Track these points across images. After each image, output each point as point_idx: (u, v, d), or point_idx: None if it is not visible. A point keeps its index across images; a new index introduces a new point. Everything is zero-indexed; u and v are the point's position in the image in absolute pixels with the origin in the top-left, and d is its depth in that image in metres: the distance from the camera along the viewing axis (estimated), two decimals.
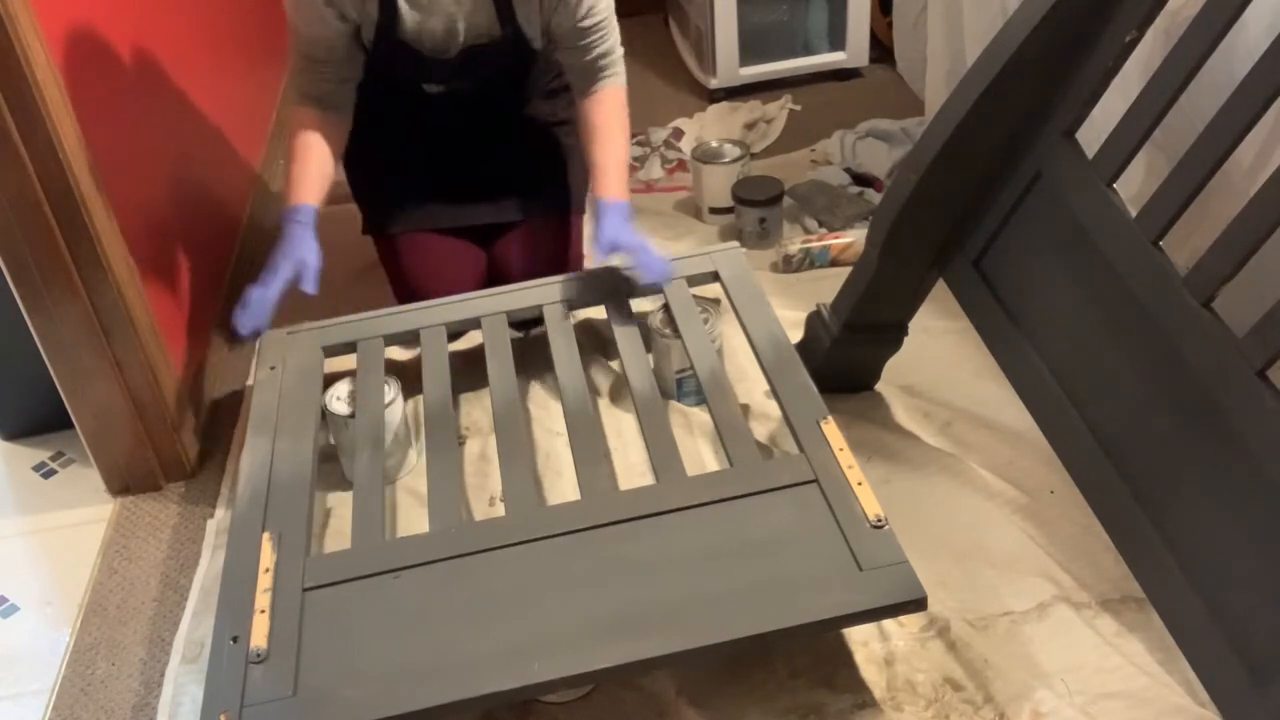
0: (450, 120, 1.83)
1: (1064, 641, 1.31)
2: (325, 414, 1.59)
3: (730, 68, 2.61)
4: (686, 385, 1.70)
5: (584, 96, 1.72)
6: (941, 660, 1.31)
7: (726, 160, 2.15)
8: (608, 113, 1.71)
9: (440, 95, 1.78)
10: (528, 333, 1.84)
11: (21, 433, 1.84)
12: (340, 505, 1.58)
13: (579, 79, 1.72)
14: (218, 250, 2.06)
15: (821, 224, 2.12)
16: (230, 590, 1.28)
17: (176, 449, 1.70)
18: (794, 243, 2.02)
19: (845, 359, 1.63)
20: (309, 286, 1.58)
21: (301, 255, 1.59)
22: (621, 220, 1.65)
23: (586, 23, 1.65)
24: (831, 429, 1.37)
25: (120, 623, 1.51)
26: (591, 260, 1.72)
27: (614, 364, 1.77)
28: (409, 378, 1.66)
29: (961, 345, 1.74)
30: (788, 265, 2.02)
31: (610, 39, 1.69)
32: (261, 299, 1.57)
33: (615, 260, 1.67)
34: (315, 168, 1.67)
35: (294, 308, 2.04)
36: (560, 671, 1.15)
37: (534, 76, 1.85)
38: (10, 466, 1.79)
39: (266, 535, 1.33)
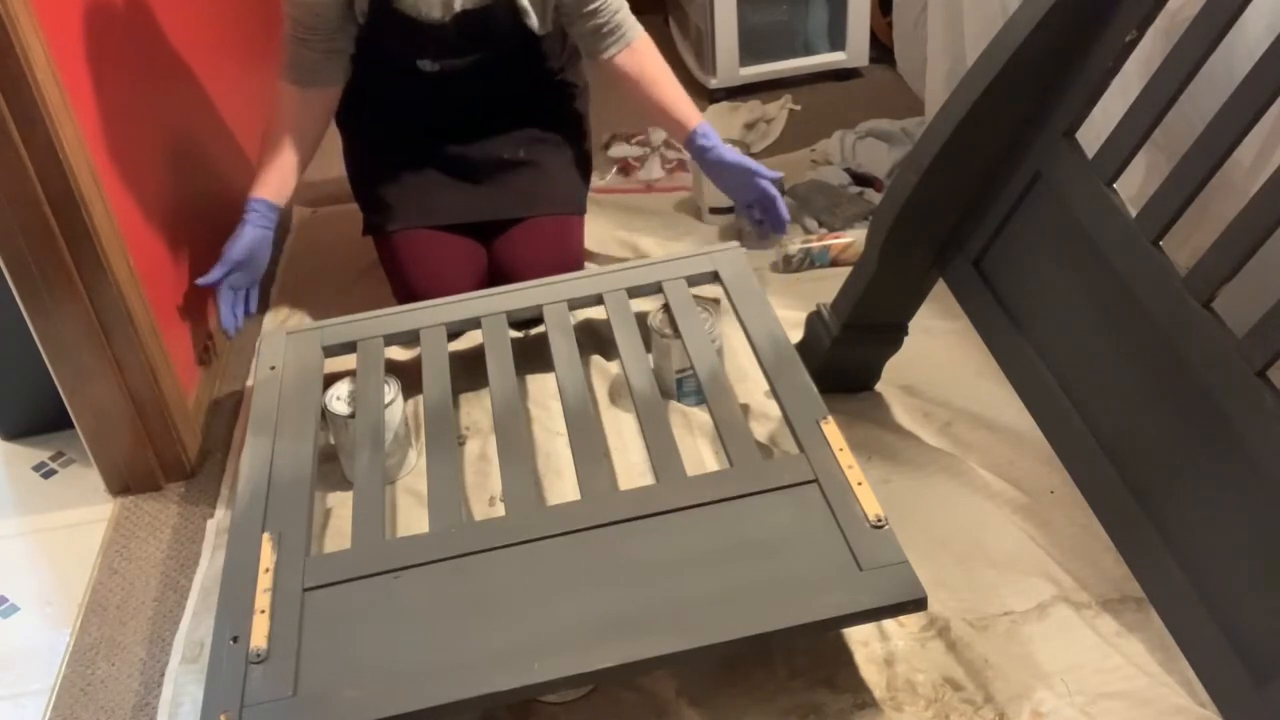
0: (448, 106, 1.83)
1: (1064, 641, 1.31)
2: (325, 414, 1.59)
3: (730, 68, 2.61)
4: (686, 385, 1.70)
5: (617, 55, 1.75)
6: (941, 660, 1.31)
7: None
8: (650, 60, 1.78)
9: (436, 76, 1.78)
10: (528, 333, 1.84)
11: (21, 433, 1.84)
12: (340, 505, 1.58)
13: (596, 44, 1.75)
14: (218, 250, 2.05)
15: (821, 224, 2.12)
16: (230, 590, 1.28)
17: (176, 449, 1.70)
18: (794, 243, 2.02)
19: (845, 359, 1.63)
20: (202, 279, 1.70)
21: (229, 253, 1.70)
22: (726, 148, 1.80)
23: None
24: (831, 429, 1.37)
25: (120, 623, 1.51)
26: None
27: (614, 364, 1.77)
28: (409, 378, 1.66)
29: (961, 345, 1.74)
30: (788, 265, 2.02)
31: (619, 2, 1.74)
32: (206, 284, 1.71)
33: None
34: (284, 159, 1.72)
35: (294, 307, 2.05)
36: (560, 671, 1.15)
37: (531, 66, 1.85)
38: (10, 466, 1.79)
39: (266, 535, 1.33)
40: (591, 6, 1.71)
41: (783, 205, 1.77)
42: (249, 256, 1.70)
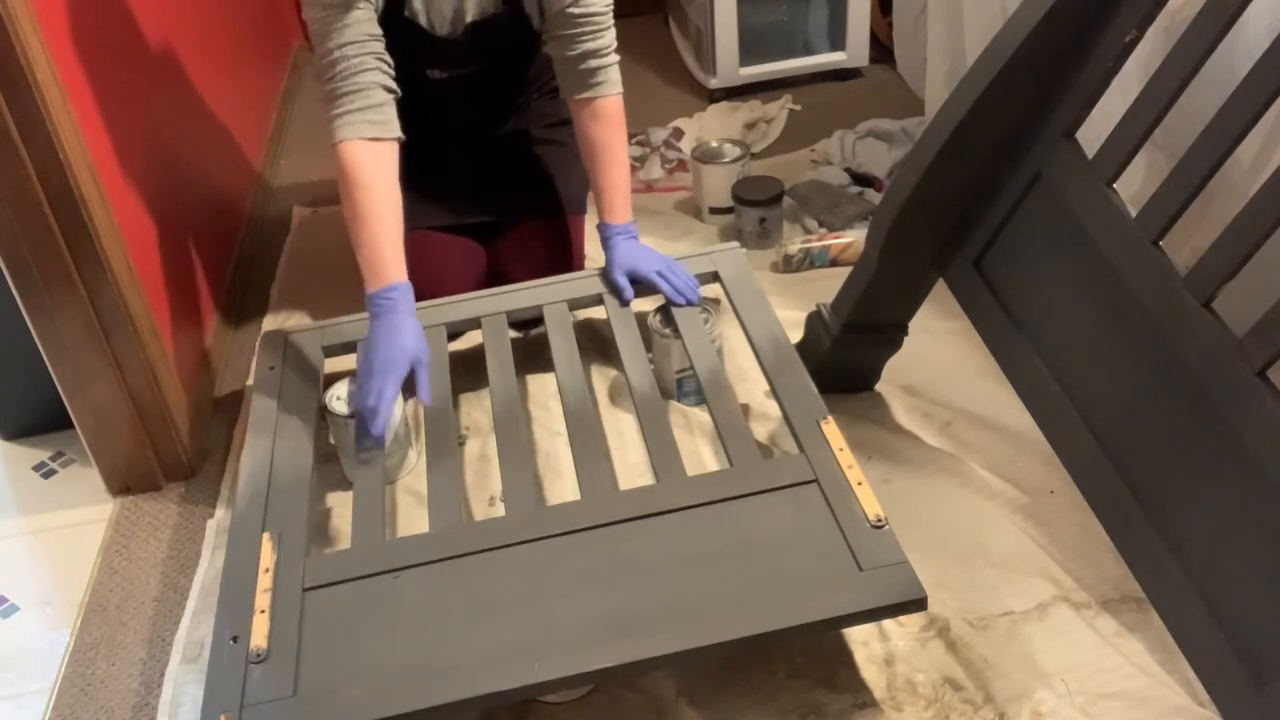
0: (453, 111, 1.83)
1: (1064, 641, 1.31)
2: (325, 414, 1.58)
3: (730, 68, 2.61)
4: (686, 385, 1.70)
5: (579, 105, 1.67)
6: (941, 660, 1.31)
7: (726, 160, 2.15)
8: (607, 129, 1.67)
9: (443, 82, 1.77)
10: (528, 333, 1.84)
11: (21, 433, 1.84)
12: (340, 505, 1.58)
13: (569, 79, 1.67)
14: (218, 250, 2.06)
15: (821, 224, 2.12)
16: (230, 590, 1.28)
17: (176, 449, 1.70)
18: (794, 243, 2.02)
19: (845, 359, 1.63)
20: (425, 395, 1.45)
21: (415, 353, 1.45)
22: (632, 244, 1.68)
23: (575, 10, 1.60)
24: (831, 429, 1.37)
25: (120, 623, 1.51)
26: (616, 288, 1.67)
27: (614, 364, 1.77)
28: (409, 378, 1.66)
29: (961, 345, 1.74)
30: (788, 265, 2.02)
31: (602, 39, 1.64)
32: (378, 417, 1.43)
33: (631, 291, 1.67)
34: (393, 229, 1.50)
35: (294, 307, 2.05)
36: (560, 671, 1.15)
37: (536, 69, 1.85)
38: (10, 466, 1.79)
39: (266, 535, 1.33)
40: (563, 32, 1.61)
41: (669, 289, 1.64)
42: (422, 353, 1.48)
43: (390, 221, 1.50)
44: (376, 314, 1.49)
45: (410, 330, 1.47)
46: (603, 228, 1.70)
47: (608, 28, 1.65)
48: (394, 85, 1.56)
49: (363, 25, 1.52)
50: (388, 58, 1.56)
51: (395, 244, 1.50)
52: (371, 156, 1.50)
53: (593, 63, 1.65)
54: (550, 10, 1.63)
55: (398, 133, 1.55)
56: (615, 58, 1.67)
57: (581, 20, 1.62)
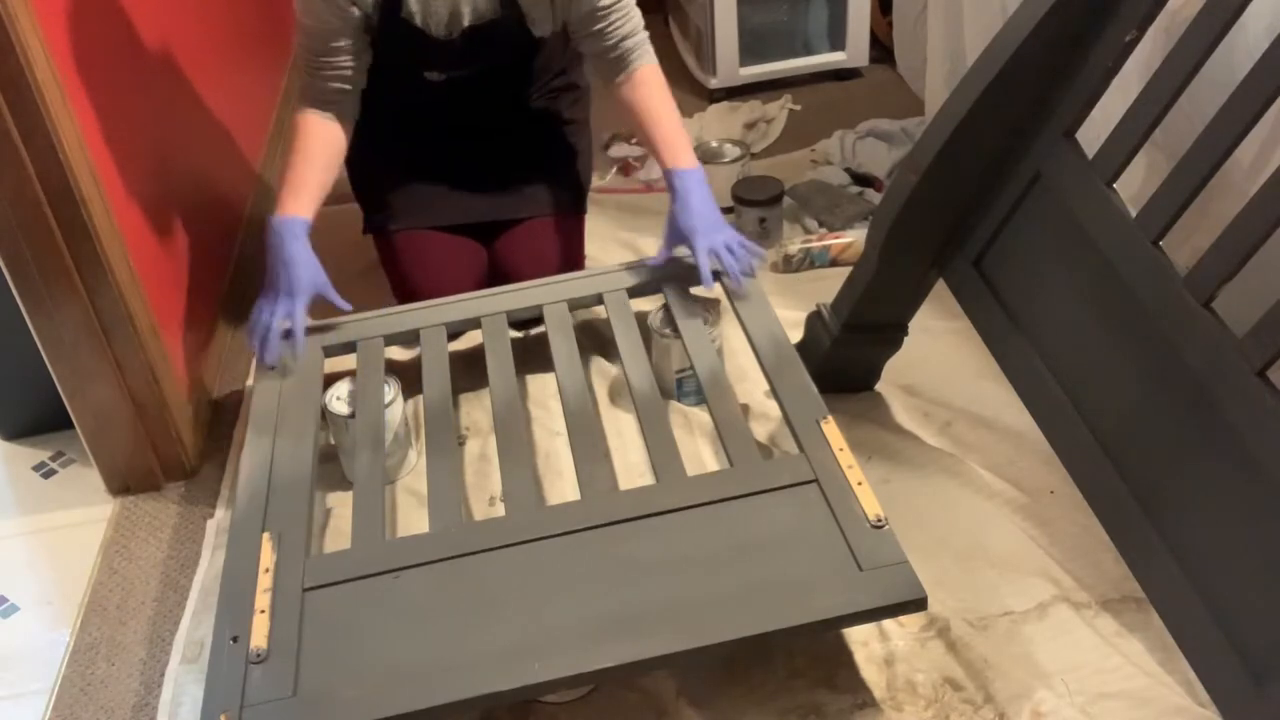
0: (452, 112, 1.83)
1: (1064, 641, 1.31)
2: (325, 414, 1.58)
3: (730, 68, 2.61)
4: (686, 385, 1.70)
5: (620, 83, 1.70)
6: (941, 660, 1.31)
7: (726, 160, 2.15)
8: (651, 91, 1.69)
9: (442, 84, 1.78)
10: (528, 333, 1.84)
11: (21, 433, 1.84)
12: (340, 505, 1.58)
13: (608, 68, 1.70)
14: (218, 250, 2.06)
15: (821, 224, 2.12)
16: (230, 590, 1.28)
17: (176, 449, 1.70)
18: (794, 243, 2.02)
19: (845, 359, 1.63)
20: (342, 304, 1.64)
21: (312, 278, 1.61)
22: (707, 194, 1.66)
23: (603, 2, 1.64)
24: (831, 429, 1.37)
25: (120, 623, 1.51)
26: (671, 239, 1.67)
27: (614, 364, 1.77)
28: (409, 378, 1.66)
29: (961, 345, 1.74)
30: (788, 265, 2.02)
31: (632, 20, 1.68)
32: (271, 330, 1.59)
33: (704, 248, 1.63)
34: (314, 176, 1.64)
35: None
36: (560, 671, 1.15)
37: (536, 69, 1.85)
38: (10, 466, 1.79)
39: (266, 535, 1.33)
40: (596, 28, 1.66)
41: (730, 261, 1.63)
42: (317, 275, 1.63)
43: (318, 168, 1.65)
44: (273, 241, 1.61)
45: (304, 261, 1.60)
46: (670, 174, 1.64)
47: (632, 7, 1.68)
48: (354, 79, 1.66)
49: (330, 39, 1.62)
50: (351, 67, 1.65)
51: (314, 187, 1.64)
52: (323, 121, 1.66)
53: (628, 44, 1.68)
54: (578, 14, 1.65)
55: (349, 115, 1.69)
56: (645, 33, 1.70)
57: (610, 10, 1.65)
